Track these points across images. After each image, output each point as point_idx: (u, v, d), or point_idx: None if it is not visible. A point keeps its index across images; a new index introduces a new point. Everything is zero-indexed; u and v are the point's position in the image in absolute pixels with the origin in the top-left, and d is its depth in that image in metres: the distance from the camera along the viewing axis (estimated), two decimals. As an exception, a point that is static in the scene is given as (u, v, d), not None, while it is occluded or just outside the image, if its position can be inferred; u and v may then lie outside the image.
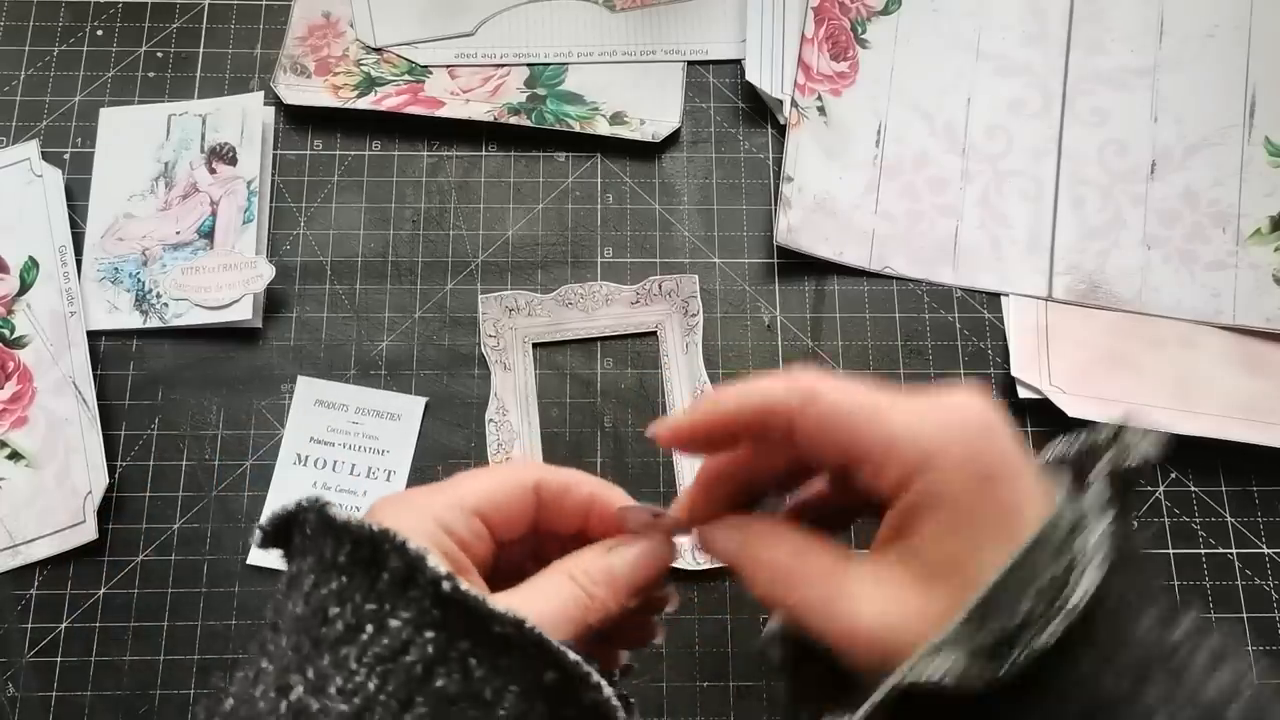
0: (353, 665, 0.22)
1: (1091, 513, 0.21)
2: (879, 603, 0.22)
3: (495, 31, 0.55)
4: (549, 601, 0.25)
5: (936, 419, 0.23)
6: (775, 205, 0.52)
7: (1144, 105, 0.52)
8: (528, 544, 0.29)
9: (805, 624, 0.24)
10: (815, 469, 0.27)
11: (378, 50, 0.55)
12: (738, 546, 0.26)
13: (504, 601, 0.24)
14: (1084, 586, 0.20)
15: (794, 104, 0.52)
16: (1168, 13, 0.53)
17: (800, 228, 0.51)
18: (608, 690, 0.23)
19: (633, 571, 0.27)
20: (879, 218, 0.52)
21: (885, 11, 0.55)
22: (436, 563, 0.23)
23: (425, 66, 0.54)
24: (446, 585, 0.22)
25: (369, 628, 0.22)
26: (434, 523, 0.25)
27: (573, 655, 0.23)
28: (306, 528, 0.24)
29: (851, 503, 0.28)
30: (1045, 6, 0.54)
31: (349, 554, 0.23)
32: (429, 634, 0.22)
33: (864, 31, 0.54)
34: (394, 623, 0.22)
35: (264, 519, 0.26)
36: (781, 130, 0.54)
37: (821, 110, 0.53)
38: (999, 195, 0.52)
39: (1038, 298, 0.50)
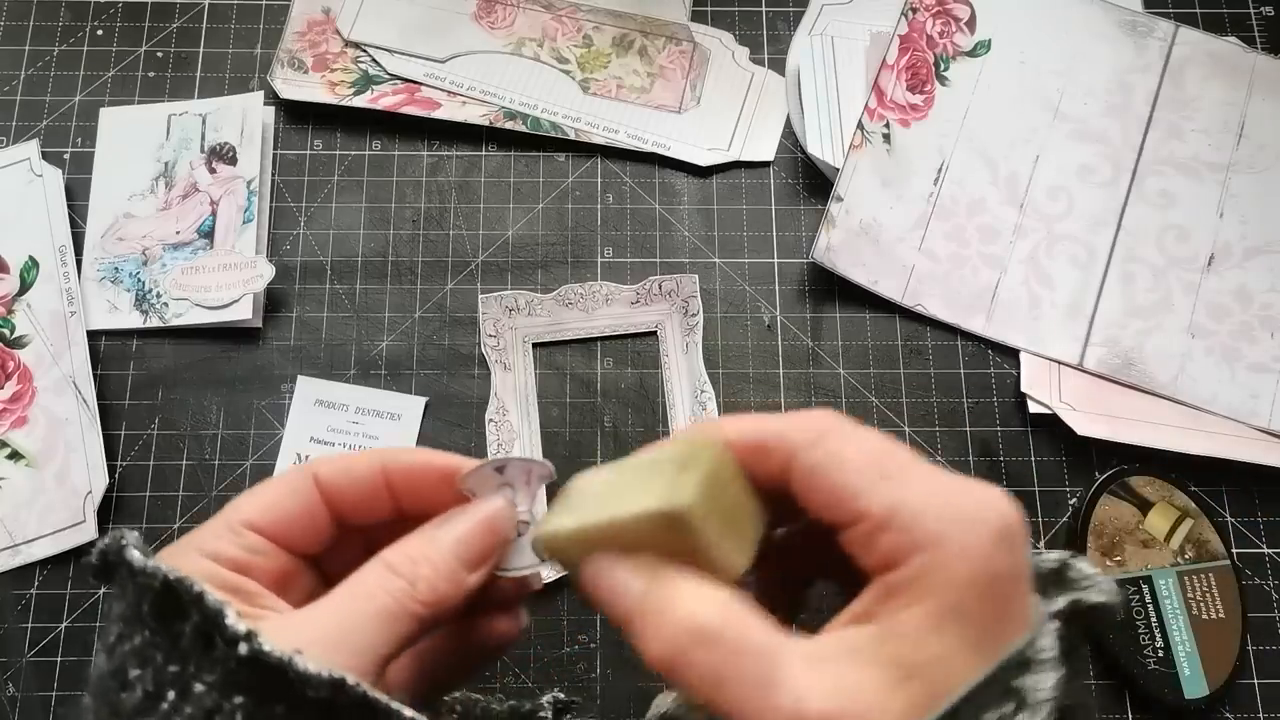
0: None
1: (1043, 653, 0.20)
2: (828, 689, 0.19)
3: (467, 66, 0.54)
4: (367, 602, 0.23)
5: (956, 502, 0.20)
6: (819, 222, 0.52)
7: (1212, 199, 0.52)
8: (398, 529, 0.26)
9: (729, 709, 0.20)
10: (796, 516, 0.23)
11: (353, 44, 0.54)
12: (640, 594, 0.22)
13: (316, 612, 0.22)
14: None
15: (859, 126, 0.52)
16: (1250, 119, 0.53)
17: (840, 249, 0.51)
18: None
19: (462, 541, 0.24)
20: (922, 255, 0.51)
21: (972, 54, 0.54)
22: (235, 619, 0.20)
23: (393, 76, 0.54)
24: (243, 648, 0.20)
25: (170, 694, 0.20)
26: (196, 554, 0.23)
27: (408, 712, 0.20)
28: (120, 567, 0.22)
29: (814, 566, 0.26)
30: (1134, 82, 0.54)
31: (151, 603, 0.21)
32: (238, 699, 0.20)
33: (946, 69, 0.54)
34: (198, 687, 0.20)
35: (93, 554, 0.23)
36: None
37: (886, 138, 0.52)
38: (1048, 256, 0.51)
39: (1068, 364, 0.50)
